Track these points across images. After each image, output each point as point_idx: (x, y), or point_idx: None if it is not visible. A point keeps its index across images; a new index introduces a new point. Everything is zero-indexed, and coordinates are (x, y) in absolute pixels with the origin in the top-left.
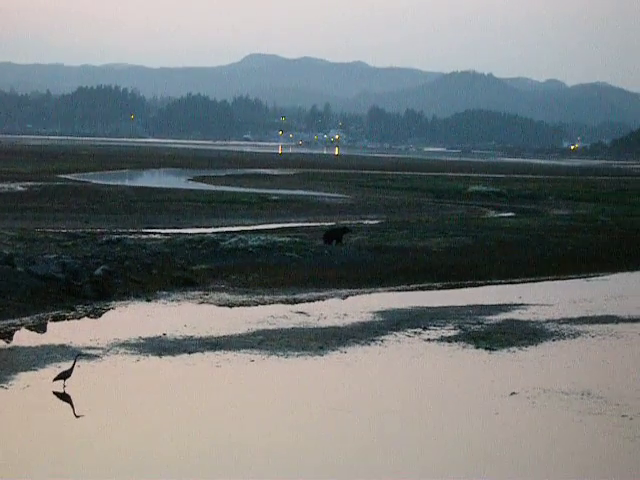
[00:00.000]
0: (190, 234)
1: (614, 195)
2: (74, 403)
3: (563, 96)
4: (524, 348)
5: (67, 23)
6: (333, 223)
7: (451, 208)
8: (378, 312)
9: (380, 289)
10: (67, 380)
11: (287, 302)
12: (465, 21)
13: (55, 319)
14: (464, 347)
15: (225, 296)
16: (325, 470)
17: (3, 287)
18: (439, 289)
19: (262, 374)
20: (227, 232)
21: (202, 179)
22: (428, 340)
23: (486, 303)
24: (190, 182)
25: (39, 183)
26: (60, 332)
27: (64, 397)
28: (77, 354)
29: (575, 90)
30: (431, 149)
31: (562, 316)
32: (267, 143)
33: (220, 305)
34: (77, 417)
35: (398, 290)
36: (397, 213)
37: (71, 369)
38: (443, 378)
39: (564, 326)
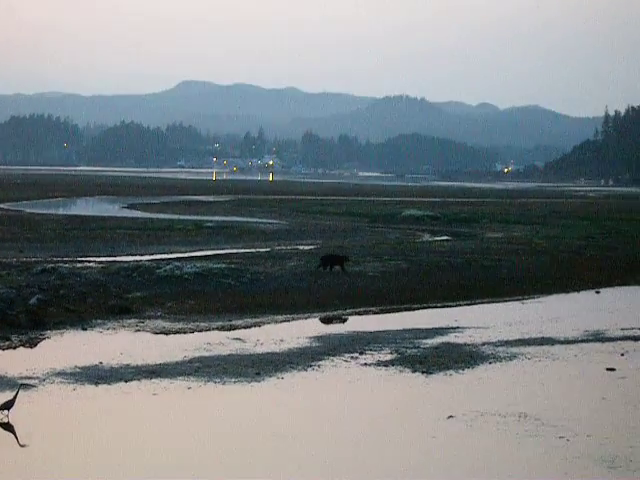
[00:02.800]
0: (125, 262)
1: (548, 217)
2: (17, 433)
3: (496, 119)
4: (461, 371)
5: None
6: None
7: (386, 232)
8: (315, 337)
9: (316, 314)
10: (10, 410)
11: (223, 329)
12: (396, 45)
13: None
14: (401, 371)
15: (161, 324)
16: None
17: None
18: (375, 313)
19: (199, 401)
20: (162, 259)
21: (136, 207)
22: (365, 365)
23: (422, 327)
24: (124, 210)
25: None
26: None
27: (7, 427)
28: (21, 384)
29: (507, 113)
30: (365, 174)
31: (498, 339)
32: (201, 170)
33: (156, 333)
34: (21, 447)
35: (334, 315)
36: (332, 238)
37: (14, 399)
38: (380, 402)
39: (500, 349)
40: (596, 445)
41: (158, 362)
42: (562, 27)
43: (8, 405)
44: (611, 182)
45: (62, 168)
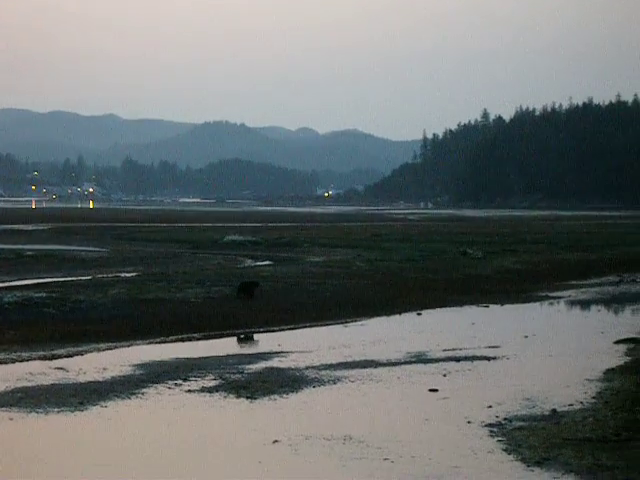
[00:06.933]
0: None
1: (368, 240)
2: None
3: (315, 144)
4: (285, 396)
5: None
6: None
7: (208, 258)
8: (138, 365)
9: (139, 342)
10: None
11: (45, 358)
12: (215, 71)
13: None
14: (225, 397)
15: None
16: None
17: None
18: (199, 339)
19: (21, 432)
20: None
21: None
22: (189, 391)
23: (246, 352)
24: None
25: None
26: None
27: None
28: None
29: (327, 138)
30: (186, 200)
31: (321, 362)
32: (20, 198)
33: None
34: None
35: (157, 342)
36: (154, 265)
37: None
38: (205, 429)
39: (324, 372)
40: (421, 466)
41: None
42: (378, 51)
43: None
44: (430, 204)
45: None
